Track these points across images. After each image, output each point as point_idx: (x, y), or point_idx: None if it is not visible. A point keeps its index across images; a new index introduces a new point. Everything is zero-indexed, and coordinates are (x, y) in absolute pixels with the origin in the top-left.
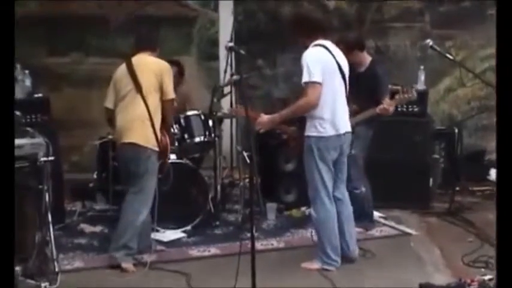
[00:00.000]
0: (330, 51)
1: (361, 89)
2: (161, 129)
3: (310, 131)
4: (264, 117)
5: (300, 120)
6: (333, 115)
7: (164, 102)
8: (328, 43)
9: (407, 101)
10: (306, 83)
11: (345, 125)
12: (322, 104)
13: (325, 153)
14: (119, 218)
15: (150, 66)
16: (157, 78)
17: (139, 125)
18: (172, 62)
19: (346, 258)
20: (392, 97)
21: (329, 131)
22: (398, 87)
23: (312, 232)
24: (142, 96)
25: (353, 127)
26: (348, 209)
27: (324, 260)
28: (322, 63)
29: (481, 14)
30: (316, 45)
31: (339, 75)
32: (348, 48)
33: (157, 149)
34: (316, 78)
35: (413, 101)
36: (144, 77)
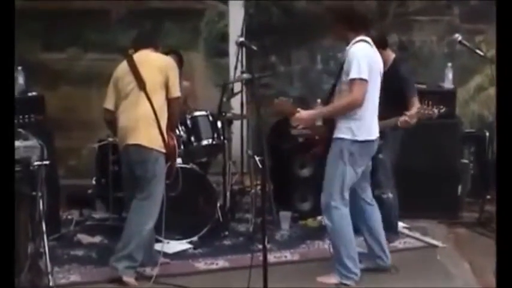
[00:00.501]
0: (373, 49)
1: (385, 91)
2: (166, 129)
3: (342, 133)
4: (303, 113)
5: (326, 121)
6: (372, 118)
7: (169, 101)
8: (370, 40)
9: (427, 117)
10: (353, 79)
11: (377, 130)
12: (364, 104)
13: (358, 159)
14: (119, 227)
15: (154, 62)
16: (162, 75)
17: (144, 125)
18: (170, 52)
19: (383, 267)
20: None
21: (365, 135)
22: (424, 86)
23: (329, 243)
24: (146, 94)
25: (381, 131)
26: (378, 213)
27: (342, 272)
28: (370, 60)
29: None
30: (360, 40)
31: (379, 76)
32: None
33: (164, 150)
34: (364, 75)
35: (441, 101)
36: (148, 73)
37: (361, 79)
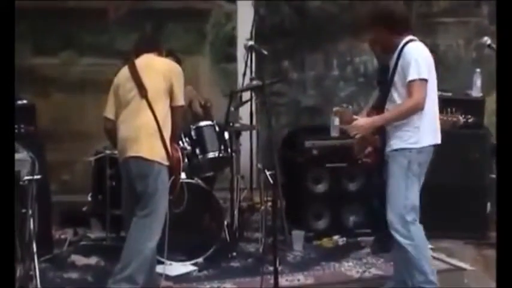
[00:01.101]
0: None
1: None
2: (170, 141)
3: (407, 142)
4: (362, 121)
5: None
6: (435, 119)
7: (173, 109)
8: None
9: (452, 125)
10: (412, 81)
11: (439, 131)
12: (426, 106)
13: (425, 168)
14: (117, 247)
15: (157, 67)
16: (165, 82)
17: (145, 136)
18: (167, 55)
19: None
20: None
21: (431, 139)
22: (450, 94)
23: (367, 267)
24: (148, 102)
25: None
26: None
27: None
28: (427, 58)
29: None
30: (411, 40)
31: (434, 74)
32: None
33: (167, 163)
34: (424, 74)
35: (468, 111)
36: (150, 80)
37: (421, 79)
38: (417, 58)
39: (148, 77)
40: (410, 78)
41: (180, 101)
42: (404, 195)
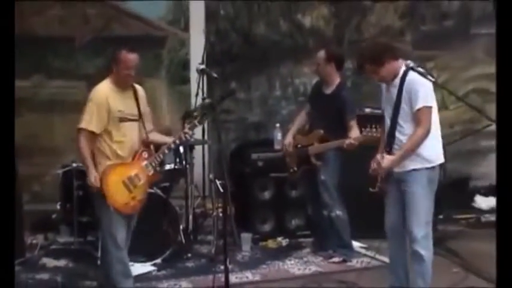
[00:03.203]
0: None
1: (328, 114)
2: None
3: (425, 162)
4: (388, 159)
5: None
6: (439, 139)
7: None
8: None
9: (374, 140)
10: (420, 109)
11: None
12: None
13: (436, 184)
14: (84, 251)
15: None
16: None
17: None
18: None
19: None
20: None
21: (440, 158)
22: (379, 111)
23: (307, 265)
24: None
25: (320, 154)
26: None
27: None
28: (430, 86)
29: (464, 34)
30: (411, 67)
31: None
32: (329, 59)
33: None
34: (431, 102)
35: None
36: None
37: (429, 107)
38: (427, 85)
39: None
40: (418, 106)
41: (79, 124)
42: (427, 212)
